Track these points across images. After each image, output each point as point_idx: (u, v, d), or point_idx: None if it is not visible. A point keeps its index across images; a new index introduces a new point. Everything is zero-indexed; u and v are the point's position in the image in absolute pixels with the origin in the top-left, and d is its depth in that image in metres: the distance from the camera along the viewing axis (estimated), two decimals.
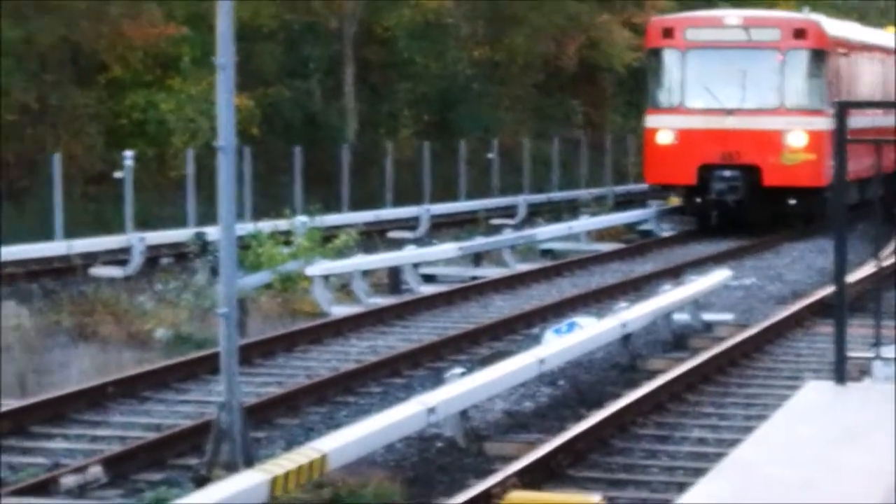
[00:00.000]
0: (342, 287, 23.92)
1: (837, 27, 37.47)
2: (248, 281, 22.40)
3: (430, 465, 12.43)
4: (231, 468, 10.78)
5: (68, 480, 10.95)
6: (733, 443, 10.45)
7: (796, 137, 33.12)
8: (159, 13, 37.03)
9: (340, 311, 21.91)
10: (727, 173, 33.30)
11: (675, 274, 26.00)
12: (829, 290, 19.04)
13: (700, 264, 27.55)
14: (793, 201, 34.24)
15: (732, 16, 35.85)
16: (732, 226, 34.17)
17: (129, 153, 30.24)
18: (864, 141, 20.98)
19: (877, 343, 10.60)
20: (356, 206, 37.18)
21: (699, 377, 16.36)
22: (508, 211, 39.73)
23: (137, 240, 26.87)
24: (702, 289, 20.69)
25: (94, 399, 14.53)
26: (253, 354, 17.13)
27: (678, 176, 34.55)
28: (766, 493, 6.67)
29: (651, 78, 36.40)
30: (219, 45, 11.67)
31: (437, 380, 14.90)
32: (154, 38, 36.21)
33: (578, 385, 16.49)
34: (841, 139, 9.79)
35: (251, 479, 9.32)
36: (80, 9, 35.08)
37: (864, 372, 11.38)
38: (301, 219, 28.08)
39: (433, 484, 11.74)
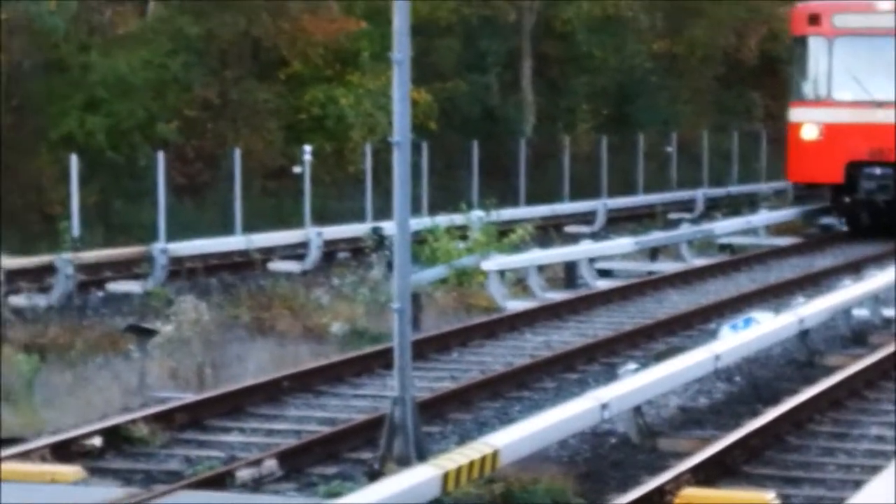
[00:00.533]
0: (518, 282, 23.94)
1: None
2: (424, 276, 22.57)
3: (603, 461, 12.35)
4: (404, 462, 10.86)
5: (244, 474, 11.10)
6: None
7: None
8: (338, 8, 37.55)
9: (515, 305, 21.92)
10: (877, 171, 31.22)
11: (855, 269, 25.63)
12: None
13: (881, 259, 26.80)
14: None
15: (884, 1, 32.22)
16: (885, 228, 31.16)
17: (307, 148, 30.78)
18: None
19: None
20: (533, 200, 37.29)
21: (878, 373, 16.11)
22: (686, 205, 39.46)
23: (315, 234, 27.28)
24: (882, 284, 20.29)
25: (270, 393, 14.70)
26: (427, 349, 17.21)
27: (824, 174, 32.41)
28: None
29: (796, 68, 34.26)
30: (395, 41, 11.78)
31: (610, 375, 14.85)
32: (333, 34, 36.67)
33: (754, 381, 16.29)
34: None
35: (424, 473, 9.38)
36: (261, 4, 35.71)
37: None
38: (477, 213, 28.25)
39: (606, 480, 11.65)
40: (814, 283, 24.69)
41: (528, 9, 43.19)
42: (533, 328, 19.96)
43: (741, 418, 13.64)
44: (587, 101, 46.72)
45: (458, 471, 9.48)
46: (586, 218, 35.55)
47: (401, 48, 11.74)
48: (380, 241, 25.11)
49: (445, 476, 9.35)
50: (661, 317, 20.68)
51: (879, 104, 31.13)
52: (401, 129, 11.77)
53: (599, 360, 17.34)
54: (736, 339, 15.81)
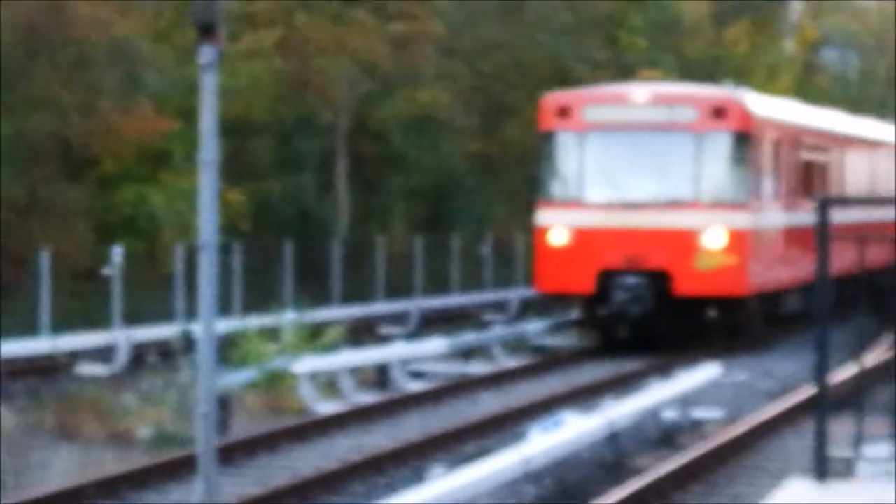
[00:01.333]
0: (330, 384, 23.95)
1: (768, 106, 32.95)
2: (234, 378, 22.51)
3: None
4: None
5: None
6: None
7: (714, 237, 28.34)
8: (151, 108, 37.28)
9: (326, 408, 21.99)
10: (632, 280, 28.47)
11: (664, 370, 25.54)
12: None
13: (691, 360, 26.47)
14: (712, 313, 29.94)
15: (640, 91, 30.63)
16: (642, 342, 29.62)
17: (117, 249, 30.39)
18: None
19: (859, 441, 10.67)
20: (347, 300, 37.35)
21: (686, 475, 16.37)
22: (501, 306, 39.79)
23: (123, 337, 26.98)
24: (691, 385, 20.74)
25: (73, 501, 14.43)
26: (236, 453, 17.15)
27: (575, 283, 29.23)
28: None
29: (543, 165, 30.80)
30: (203, 141, 11.74)
31: (420, 479, 14.85)
32: (146, 133, 36.38)
33: (564, 483, 16.47)
34: (823, 237, 9.95)
35: None
36: (72, 104, 35.30)
37: (850, 469, 11.38)
38: (289, 314, 28.18)
39: None
40: (624, 384, 24.68)
41: (342, 109, 43.45)
42: (344, 431, 20.01)
43: None
44: (403, 200, 47.08)
45: None
46: (400, 319, 35.65)
47: (208, 149, 11.71)
48: (189, 343, 24.87)
49: None
50: (473, 419, 20.90)
51: (635, 206, 28.83)
52: (208, 231, 11.71)
53: (410, 463, 17.41)
54: (545, 442, 15.96)
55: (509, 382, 25.73)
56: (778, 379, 26.76)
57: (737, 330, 29.94)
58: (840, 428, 13.49)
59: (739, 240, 28.00)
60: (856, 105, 61.51)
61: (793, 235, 31.24)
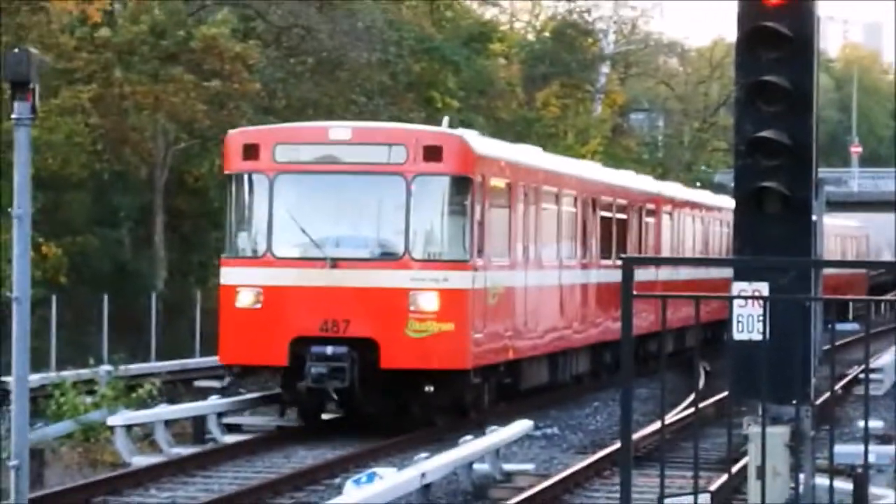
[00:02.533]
0: (145, 437, 23.60)
1: (495, 147, 27.61)
2: (49, 431, 22.13)
3: None
4: None
5: None
6: None
7: (425, 299, 23.25)
8: None
9: (141, 461, 21.63)
10: (329, 350, 23.11)
11: (478, 424, 23.76)
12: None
13: (506, 414, 25.24)
14: (429, 388, 23.94)
15: (341, 128, 25.49)
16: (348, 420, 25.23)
17: None
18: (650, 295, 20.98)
19: (661, 496, 10.74)
20: (164, 355, 36.93)
21: None
22: None
23: None
24: (502, 439, 20.84)
25: None
26: None
27: (264, 354, 24.08)
28: None
29: (229, 214, 25.59)
30: (16, 196, 11.61)
31: None
32: None
33: None
34: (627, 296, 9.88)
35: None
36: None
37: None
38: (105, 368, 27.78)
39: None
40: (438, 438, 23.59)
41: (160, 165, 43.18)
42: (158, 484, 19.76)
43: None
44: (219, 255, 46.85)
45: None
46: (216, 372, 35.33)
47: (21, 203, 11.57)
48: (3, 396, 24.26)
49: None
50: (288, 472, 20.73)
51: (334, 262, 23.66)
52: (20, 285, 11.57)
53: None
54: (359, 495, 15.94)
55: (324, 435, 25.39)
56: (587, 432, 26.40)
57: (460, 407, 25.39)
58: (646, 480, 13.77)
59: (456, 303, 23.40)
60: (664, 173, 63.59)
61: (546, 296, 28.07)
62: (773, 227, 12.38)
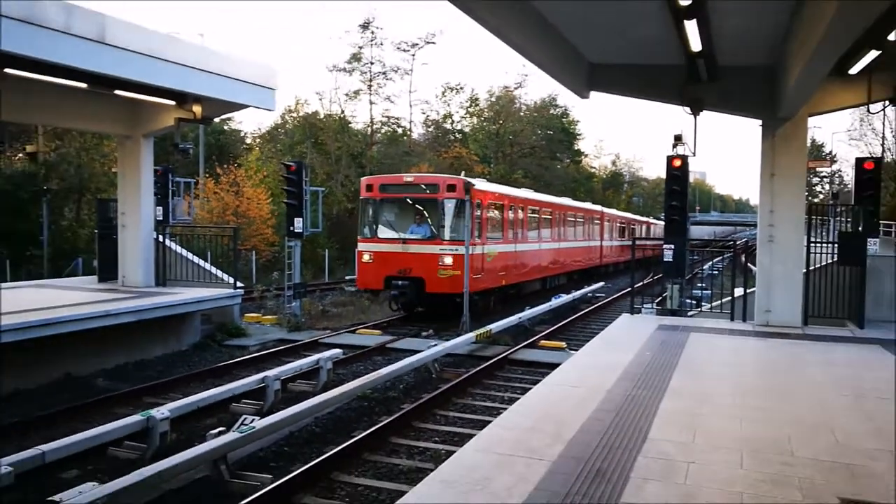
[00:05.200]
0: None
1: (485, 185, 37.60)
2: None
3: None
4: None
5: None
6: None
7: (448, 259, 33.41)
8: None
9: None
10: (401, 283, 33.57)
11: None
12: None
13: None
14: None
15: (409, 175, 37.19)
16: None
17: None
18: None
19: (642, 303, 24.78)
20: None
21: (593, 313, 36.71)
22: None
23: None
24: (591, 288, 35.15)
25: None
26: None
27: (374, 283, 34.66)
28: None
29: (361, 218, 36.01)
30: None
31: None
32: None
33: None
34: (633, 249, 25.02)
35: None
36: None
37: (638, 312, 25.43)
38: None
39: None
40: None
41: None
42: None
43: None
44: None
45: None
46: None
47: None
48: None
49: None
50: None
51: (405, 241, 34.14)
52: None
53: None
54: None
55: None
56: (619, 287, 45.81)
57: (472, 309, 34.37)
58: (637, 299, 26.66)
59: (460, 260, 33.05)
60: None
61: (519, 255, 39.92)
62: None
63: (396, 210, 35.26)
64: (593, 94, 24.14)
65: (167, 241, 29.06)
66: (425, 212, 34.29)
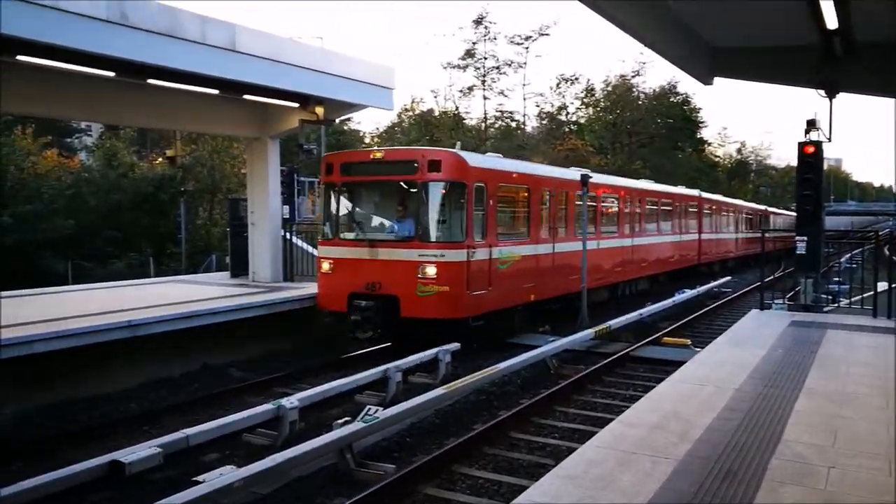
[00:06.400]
0: None
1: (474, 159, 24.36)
2: None
3: None
4: None
5: None
6: None
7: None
8: None
9: None
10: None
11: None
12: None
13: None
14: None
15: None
16: None
17: None
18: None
19: (772, 298, 24.65)
20: None
21: (725, 306, 37.74)
22: None
23: None
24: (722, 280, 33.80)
25: None
26: None
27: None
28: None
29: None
30: None
31: None
32: None
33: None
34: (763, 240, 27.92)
35: None
36: None
37: (768, 307, 24.71)
38: None
39: None
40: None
41: None
42: None
43: None
44: None
45: None
46: None
47: None
48: None
49: None
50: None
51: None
52: None
53: None
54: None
55: None
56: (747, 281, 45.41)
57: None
58: (767, 294, 25.92)
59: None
60: None
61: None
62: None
63: (364, 199, 25.35)
64: (717, 80, 22.69)
65: (293, 238, 29.41)
66: (406, 201, 23.84)
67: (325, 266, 24.42)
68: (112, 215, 50.44)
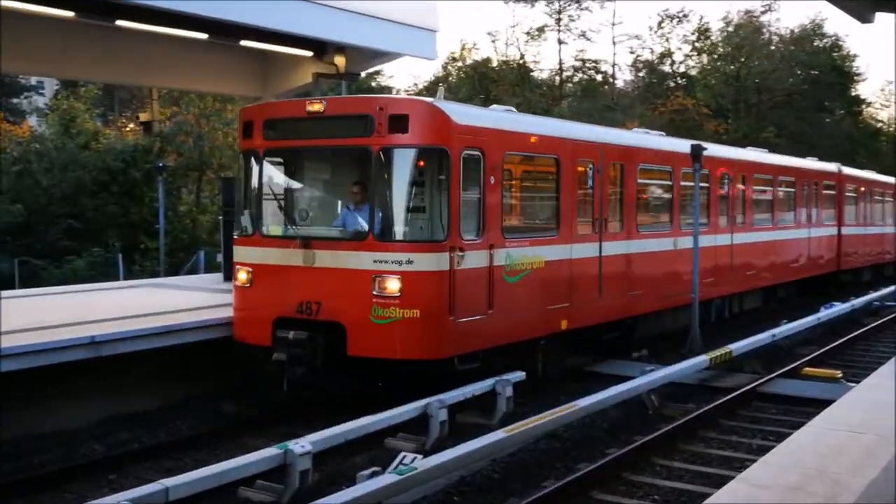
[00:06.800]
0: None
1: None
2: None
3: None
4: None
5: None
6: None
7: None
8: None
9: None
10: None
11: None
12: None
13: None
14: None
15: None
16: None
17: None
18: None
19: None
20: None
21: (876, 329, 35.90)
22: None
23: None
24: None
25: None
26: None
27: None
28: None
29: None
30: None
31: None
32: None
33: None
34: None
35: None
36: None
37: None
38: None
39: None
40: None
41: None
42: None
43: None
44: None
45: None
46: None
47: None
48: None
49: None
50: None
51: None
52: None
53: None
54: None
55: None
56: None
57: None
58: None
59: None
60: None
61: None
62: None
63: (298, 175, 22.38)
64: (879, 15, 20.36)
65: None
66: (366, 179, 20.24)
67: (242, 276, 21.66)
68: (70, 199, 50.27)
